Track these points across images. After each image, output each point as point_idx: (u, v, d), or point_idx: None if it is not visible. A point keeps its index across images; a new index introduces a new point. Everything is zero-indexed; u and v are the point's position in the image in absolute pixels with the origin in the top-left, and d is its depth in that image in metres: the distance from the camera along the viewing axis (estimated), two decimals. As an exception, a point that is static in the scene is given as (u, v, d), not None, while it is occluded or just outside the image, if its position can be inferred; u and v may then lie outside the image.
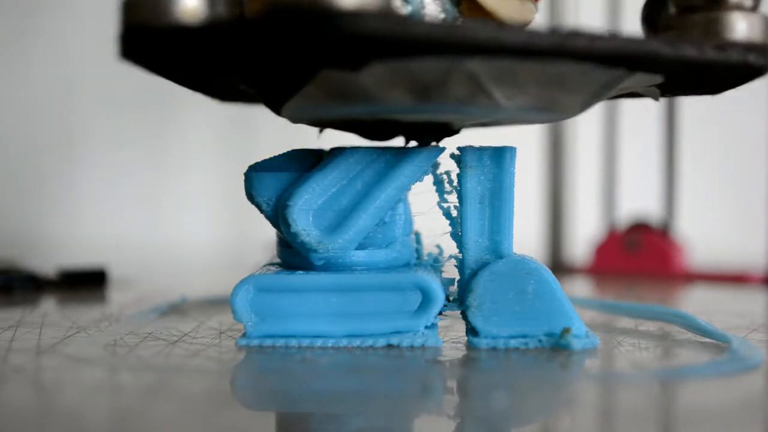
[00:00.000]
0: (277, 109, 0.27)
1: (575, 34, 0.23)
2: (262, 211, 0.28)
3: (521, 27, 0.24)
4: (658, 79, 0.26)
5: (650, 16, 0.27)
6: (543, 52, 0.23)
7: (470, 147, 0.27)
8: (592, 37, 0.23)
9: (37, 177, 0.60)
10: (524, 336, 0.27)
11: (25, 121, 0.60)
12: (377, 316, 0.27)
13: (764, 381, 0.24)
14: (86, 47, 0.60)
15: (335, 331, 0.27)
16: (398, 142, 0.30)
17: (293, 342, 0.27)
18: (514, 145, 0.28)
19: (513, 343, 0.27)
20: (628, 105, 0.64)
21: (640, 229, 0.61)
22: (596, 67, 0.24)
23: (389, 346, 0.27)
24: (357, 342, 0.27)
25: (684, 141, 0.62)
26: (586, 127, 0.70)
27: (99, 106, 0.62)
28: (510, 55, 0.23)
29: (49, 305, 0.40)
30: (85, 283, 0.46)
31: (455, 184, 0.28)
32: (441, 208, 0.28)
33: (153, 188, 0.64)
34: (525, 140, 0.67)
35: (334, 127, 0.31)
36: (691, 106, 0.64)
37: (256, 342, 0.27)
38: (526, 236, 0.66)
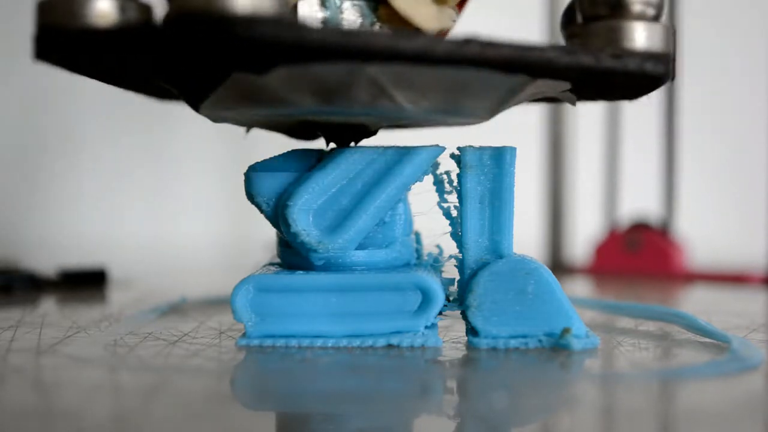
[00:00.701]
0: (196, 109, 0.27)
1: (470, 42, 0.24)
2: (262, 211, 0.28)
3: (430, 34, 0.25)
4: (566, 85, 0.27)
5: (565, 24, 0.28)
6: (438, 59, 0.24)
7: (470, 147, 0.27)
8: (487, 45, 0.24)
9: (37, 177, 0.60)
10: (524, 336, 0.27)
11: (25, 121, 0.60)
12: (377, 316, 0.27)
13: (764, 381, 0.24)
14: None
15: (335, 331, 0.27)
16: (320, 142, 0.30)
17: (293, 342, 0.27)
18: (514, 145, 0.28)
19: (513, 343, 0.27)
20: (628, 105, 0.64)
21: (640, 228, 0.61)
22: (495, 73, 0.25)
23: (389, 346, 0.27)
24: (357, 342, 0.27)
25: (684, 141, 0.62)
26: (586, 127, 0.70)
27: (99, 106, 0.62)
28: (406, 61, 0.24)
29: (49, 305, 0.40)
30: (85, 283, 0.46)
31: (455, 184, 0.28)
32: (441, 208, 0.28)
33: (153, 188, 0.64)
34: (525, 140, 0.68)
35: (258, 127, 0.31)
36: (691, 106, 0.64)
37: (256, 342, 0.27)
38: (526, 236, 0.66)
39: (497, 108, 0.27)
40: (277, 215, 0.27)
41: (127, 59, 0.25)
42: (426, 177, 0.28)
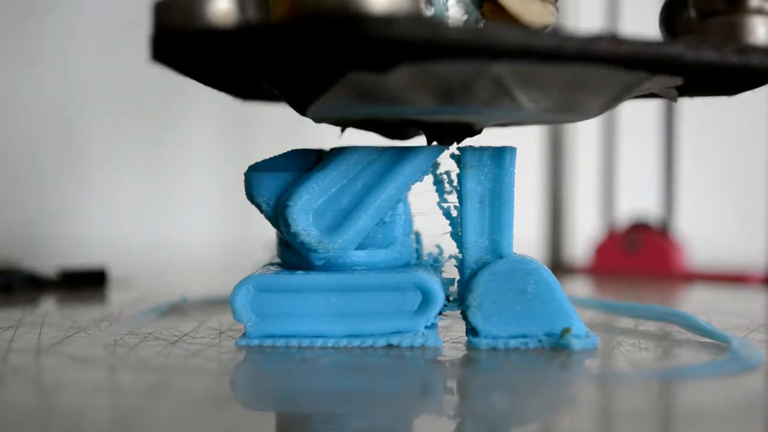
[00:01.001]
0: (301, 110, 0.27)
1: (599, 38, 0.23)
2: (262, 211, 0.28)
3: (544, 30, 0.24)
4: (678, 81, 0.27)
5: (669, 19, 0.28)
6: (568, 57, 0.23)
7: (470, 147, 0.27)
8: (616, 41, 0.23)
9: (37, 177, 0.60)
10: (524, 336, 0.27)
11: (25, 121, 0.60)
12: (377, 316, 0.27)
13: (764, 381, 0.24)
14: (86, 47, 0.60)
15: (335, 331, 0.27)
16: (420, 141, 0.30)
17: (293, 342, 0.27)
18: (514, 145, 0.28)
19: (513, 343, 0.27)
20: (627, 106, 0.64)
21: (639, 229, 0.61)
22: (619, 70, 0.24)
23: (389, 346, 0.27)
24: (357, 342, 0.27)
25: (684, 141, 0.62)
26: (586, 127, 0.70)
27: (99, 106, 0.62)
28: (536, 59, 0.23)
29: (49, 305, 0.40)
30: (85, 283, 0.46)
31: (455, 184, 0.28)
32: (441, 208, 0.28)
33: (153, 188, 0.64)
34: (525, 140, 0.68)
35: (357, 127, 0.31)
36: (690, 106, 0.64)
37: (256, 342, 0.27)
38: (526, 236, 0.66)
39: (610, 105, 0.27)
40: (277, 215, 0.27)
41: (243, 60, 0.24)
42: (426, 177, 0.28)
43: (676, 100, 0.29)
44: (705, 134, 0.76)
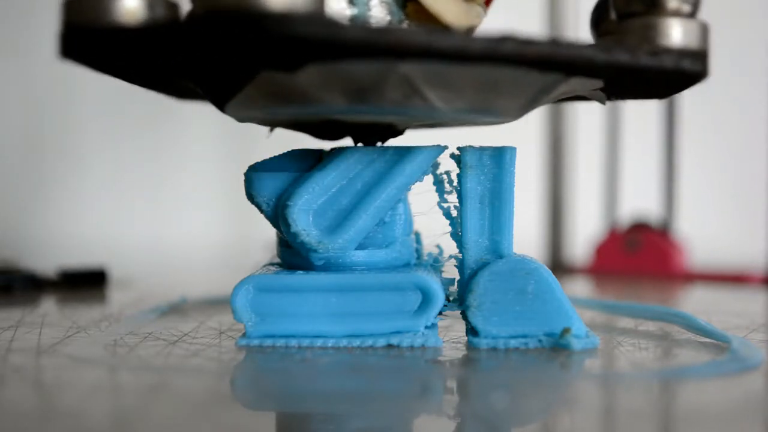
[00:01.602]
0: (221, 108, 0.27)
1: (506, 39, 0.23)
2: (262, 211, 0.28)
3: (461, 31, 0.24)
4: (598, 83, 0.26)
5: (596, 22, 0.28)
6: (474, 57, 0.23)
7: (470, 147, 0.27)
8: (523, 42, 0.23)
9: (37, 177, 0.60)
10: (524, 336, 0.27)
11: (25, 121, 0.60)
12: (377, 316, 0.27)
13: (764, 381, 0.24)
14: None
15: (335, 331, 0.27)
16: (346, 142, 0.30)
17: (293, 342, 0.27)
18: (514, 145, 0.28)
19: (513, 343, 0.27)
20: (628, 105, 0.64)
21: (640, 229, 0.61)
22: (530, 71, 0.24)
23: (389, 346, 0.27)
24: (357, 342, 0.27)
25: (684, 141, 0.62)
26: (586, 127, 0.70)
27: (99, 106, 0.62)
28: (442, 59, 0.23)
29: (49, 305, 0.40)
30: (85, 283, 0.46)
31: (455, 184, 0.28)
32: (441, 208, 0.28)
33: (153, 188, 0.64)
34: (525, 140, 0.68)
35: (283, 127, 0.31)
36: (691, 106, 0.64)
37: (256, 342, 0.27)
38: (526, 236, 0.66)
39: (528, 107, 0.27)
40: (277, 215, 0.27)
41: (153, 58, 0.25)
42: (426, 177, 0.28)
43: (604, 103, 0.29)
44: (706, 135, 0.76)
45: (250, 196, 0.28)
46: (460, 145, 0.28)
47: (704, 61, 0.26)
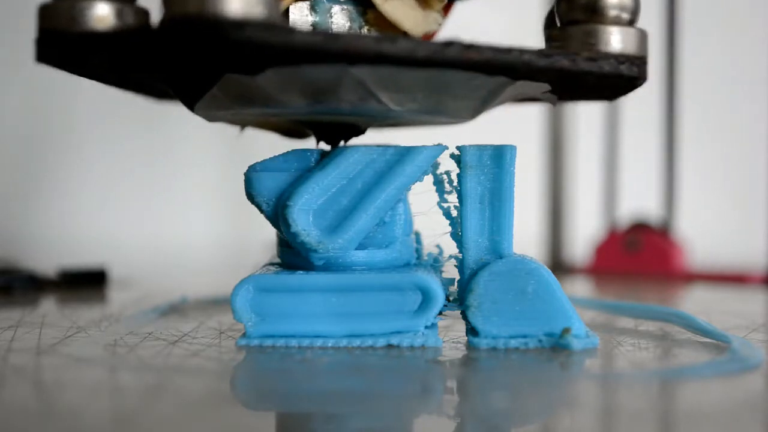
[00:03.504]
0: (191, 109, 0.28)
1: (450, 44, 0.25)
2: (262, 211, 0.28)
3: (415, 37, 0.26)
4: (545, 86, 0.28)
5: (545, 28, 0.29)
6: (421, 62, 0.25)
7: (470, 146, 0.27)
8: (466, 47, 0.25)
9: (37, 177, 0.60)
10: (524, 336, 0.27)
11: (24, 121, 0.60)
12: (377, 316, 0.27)
13: (764, 381, 0.24)
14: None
15: (335, 331, 0.27)
16: (311, 141, 0.31)
17: (293, 342, 0.27)
18: (514, 144, 0.28)
19: (513, 343, 0.27)
20: (628, 105, 0.64)
21: (640, 229, 0.61)
22: (477, 75, 0.26)
23: (389, 346, 0.27)
24: (357, 342, 0.27)
25: (684, 141, 0.62)
26: (586, 127, 0.70)
27: (99, 106, 0.62)
28: (389, 63, 0.24)
29: (49, 305, 0.40)
30: (85, 283, 0.46)
31: (455, 184, 0.28)
32: (441, 208, 0.28)
33: (153, 188, 0.64)
34: (525, 140, 0.68)
35: (252, 126, 0.32)
36: (691, 106, 0.64)
37: (256, 342, 0.27)
38: (526, 236, 0.66)
39: (480, 108, 0.28)
40: (277, 215, 0.27)
41: (125, 62, 0.26)
42: (426, 177, 0.28)
43: (555, 104, 0.30)
44: (706, 135, 0.76)
45: (250, 196, 0.28)
46: (460, 145, 0.28)
47: (642, 66, 0.27)
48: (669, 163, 0.61)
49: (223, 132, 0.65)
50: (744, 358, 0.25)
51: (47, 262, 0.50)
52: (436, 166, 0.28)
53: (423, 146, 0.28)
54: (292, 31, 0.23)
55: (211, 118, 0.30)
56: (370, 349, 0.27)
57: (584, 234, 0.70)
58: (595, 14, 0.27)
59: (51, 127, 0.60)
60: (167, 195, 0.65)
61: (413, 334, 0.27)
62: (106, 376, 0.24)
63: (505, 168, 0.27)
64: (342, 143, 0.30)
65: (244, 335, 0.27)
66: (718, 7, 0.76)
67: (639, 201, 0.67)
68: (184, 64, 0.25)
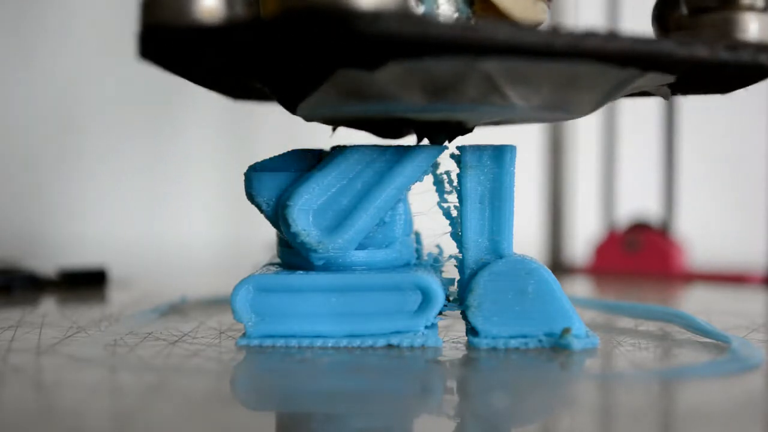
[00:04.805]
0: (292, 108, 0.27)
1: (590, 35, 0.23)
2: (262, 211, 0.28)
3: (534, 27, 0.24)
4: (670, 78, 0.27)
5: (662, 16, 0.28)
6: (559, 53, 0.23)
7: (470, 146, 0.27)
8: (607, 38, 0.23)
9: (37, 177, 0.60)
10: (524, 336, 0.27)
11: (25, 121, 0.60)
12: (377, 316, 0.27)
13: (764, 381, 0.24)
14: (86, 46, 0.60)
15: (335, 331, 0.27)
16: (411, 140, 0.30)
17: (293, 342, 0.27)
18: (513, 144, 0.28)
19: (513, 343, 0.27)
20: (627, 105, 0.64)
21: (640, 229, 0.61)
22: (610, 67, 0.24)
23: (389, 346, 0.27)
24: (357, 342, 0.27)
25: (684, 141, 0.62)
26: (586, 127, 0.70)
27: (99, 106, 0.62)
28: (526, 55, 0.23)
29: (49, 305, 0.40)
30: (85, 283, 0.46)
31: (455, 184, 0.28)
32: (441, 208, 0.28)
33: (153, 188, 0.64)
34: (525, 140, 0.68)
35: (348, 125, 0.31)
36: (691, 106, 0.64)
37: (256, 342, 0.27)
38: (526, 236, 0.66)
39: (602, 102, 0.27)
40: (277, 215, 0.27)
41: (231, 57, 0.24)
42: (426, 177, 0.28)
43: (668, 98, 0.29)
44: (705, 134, 0.76)
45: (250, 196, 0.28)
46: (460, 145, 0.28)
47: None
48: (668, 164, 0.61)
49: (223, 132, 0.65)
50: (744, 358, 0.25)
51: (47, 262, 0.50)
52: (436, 166, 0.28)
53: (423, 146, 0.28)
54: (428, 22, 0.22)
55: (310, 118, 0.28)
56: (370, 349, 0.27)
57: (584, 234, 0.70)
58: (730, 1, 0.26)
59: (52, 128, 0.60)
60: (167, 195, 0.65)
61: (413, 334, 0.27)
62: (106, 376, 0.24)
63: (505, 168, 0.27)
64: (447, 142, 0.29)
65: (244, 335, 0.27)
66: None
67: (639, 201, 0.67)
68: (299, 59, 0.24)
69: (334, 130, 0.32)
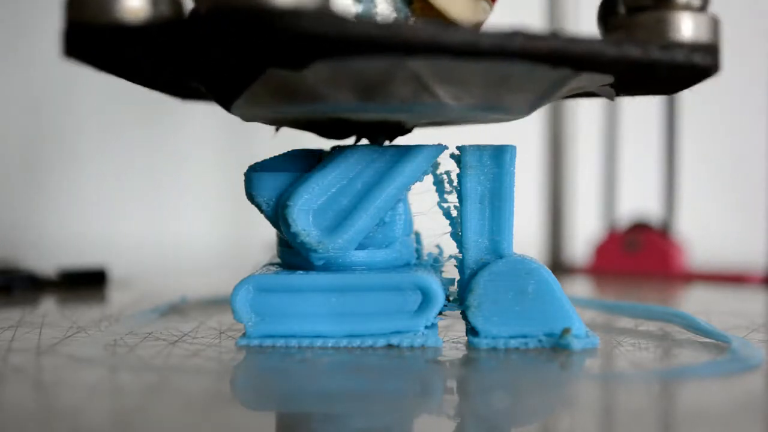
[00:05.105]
0: (227, 107, 0.27)
1: (516, 34, 0.23)
2: (262, 211, 0.28)
3: (468, 27, 0.24)
4: (609, 78, 0.26)
5: (604, 16, 0.27)
6: (484, 52, 0.23)
7: (470, 146, 0.27)
8: (533, 37, 0.23)
9: (37, 177, 0.60)
10: (524, 336, 0.27)
11: (24, 121, 0.60)
12: (377, 316, 0.27)
13: (764, 381, 0.24)
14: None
15: (335, 331, 0.27)
16: (352, 140, 0.30)
17: (293, 342, 0.27)
18: (513, 144, 0.28)
19: (513, 343, 0.27)
20: (628, 105, 0.64)
21: (640, 229, 0.61)
22: (540, 66, 0.24)
23: (389, 346, 0.27)
24: (357, 342, 0.27)
25: (684, 141, 0.62)
26: (586, 127, 0.70)
27: (98, 106, 0.62)
28: (450, 55, 0.23)
29: (49, 305, 0.40)
30: (85, 283, 0.46)
31: (455, 184, 0.28)
32: (441, 208, 0.28)
33: (153, 188, 0.64)
34: (525, 140, 0.68)
35: (289, 126, 0.31)
36: (691, 106, 0.64)
37: (256, 342, 0.27)
38: (526, 236, 0.66)
39: (538, 103, 0.27)
40: (277, 215, 0.27)
41: (157, 56, 0.24)
42: (426, 177, 0.28)
43: (613, 99, 0.28)
44: (706, 134, 0.76)
45: (250, 196, 0.28)
46: (460, 145, 0.28)
47: (715, 55, 0.26)
48: (669, 163, 0.61)
49: (223, 132, 0.65)
50: (744, 358, 0.25)
51: (47, 262, 0.50)
52: (436, 166, 0.28)
53: (423, 146, 0.28)
54: (348, 21, 0.22)
55: (247, 118, 0.28)
56: (370, 349, 0.27)
57: (584, 234, 0.70)
58: (666, 0, 0.26)
59: (51, 127, 0.60)
60: (167, 195, 0.65)
61: (413, 334, 0.27)
62: (106, 376, 0.24)
63: (505, 168, 0.27)
64: (387, 142, 0.28)
65: (244, 335, 0.27)
66: (717, 4, 0.75)
67: (639, 201, 0.67)
68: (225, 59, 0.24)
69: (276, 130, 0.32)
